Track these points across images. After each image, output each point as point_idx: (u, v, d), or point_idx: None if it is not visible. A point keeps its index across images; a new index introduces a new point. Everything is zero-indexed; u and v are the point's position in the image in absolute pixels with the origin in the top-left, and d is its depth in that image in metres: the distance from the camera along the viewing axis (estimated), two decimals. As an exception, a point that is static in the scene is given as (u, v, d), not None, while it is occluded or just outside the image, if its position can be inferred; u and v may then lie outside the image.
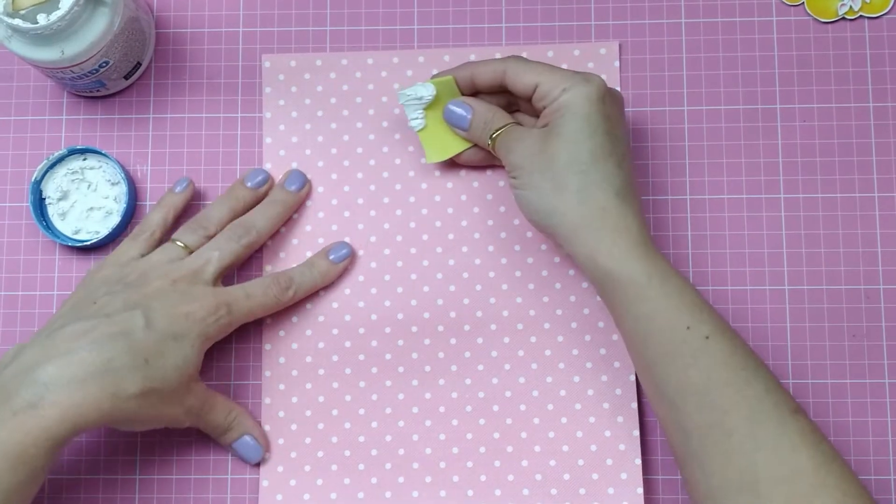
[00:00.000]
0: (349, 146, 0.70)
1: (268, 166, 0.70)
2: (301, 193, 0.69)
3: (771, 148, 0.70)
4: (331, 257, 0.69)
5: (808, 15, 0.71)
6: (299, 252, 0.70)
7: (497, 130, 0.65)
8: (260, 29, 0.73)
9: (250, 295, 0.65)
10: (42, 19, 0.63)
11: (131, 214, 0.71)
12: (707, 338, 0.59)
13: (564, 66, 0.69)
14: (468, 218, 0.70)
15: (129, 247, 0.67)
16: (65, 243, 0.70)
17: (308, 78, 0.71)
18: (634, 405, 0.67)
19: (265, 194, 0.69)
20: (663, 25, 0.71)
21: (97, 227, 0.70)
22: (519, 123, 0.66)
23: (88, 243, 0.69)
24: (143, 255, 0.66)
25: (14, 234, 0.71)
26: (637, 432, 0.67)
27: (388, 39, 0.72)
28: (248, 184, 0.69)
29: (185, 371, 0.62)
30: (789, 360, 0.68)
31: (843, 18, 0.71)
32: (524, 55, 0.69)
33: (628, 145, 0.64)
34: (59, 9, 0.63)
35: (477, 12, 0.72)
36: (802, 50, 0.71)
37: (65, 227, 0.70)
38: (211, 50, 0.73)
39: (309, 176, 0.70)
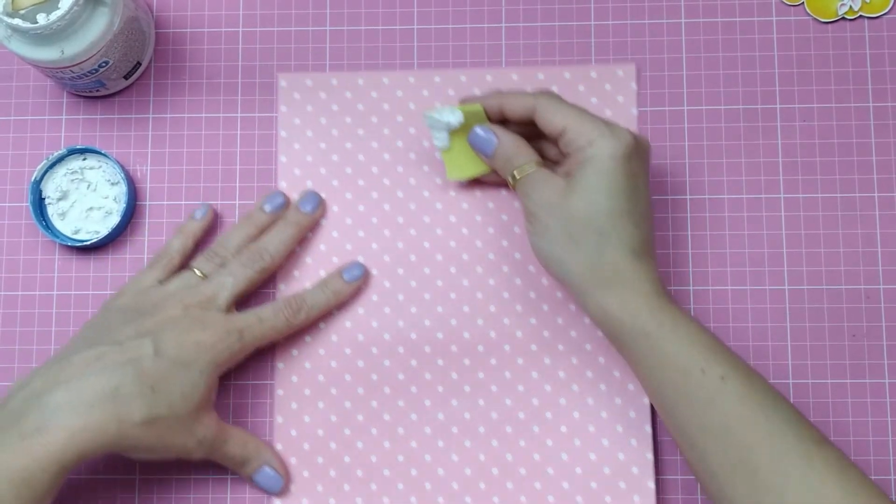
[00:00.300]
0: (364, 166, 0.70)
1: (283, 185, 0.70)
2: (315, 215, 0.70)
3: (771, 148, 0.70)
4: (344, 277, 0.68)
5: (808, 15, 0.71)
6: (313, 271, 0.69)
7: (519, 168, 0.65)
8: (260, 29, 0.73)
9: (263, 319, 0.65)
10: (42, 19, 0.63)
11: (131, 214, 0.71)
12: (722, 378, 0.58)
13: (581, 89, 0.70)
14: (482, 238, 0.69)
15: (147, 274, 0.67)
16: (64, 243, 0.70)
17: (324, 97, 0.71)
18: (648, 428, 0.67)
19: (280, 216, 0.69)
20: (663, 25, 0.71)
21: (97, 226, 0.70)
22: (542, 160, 0.65)
23: (88, 243, 0.69)
24: (161, 282, 0.67)
25: (14, 234, 0.71)
26: (650, 455, 0.66)
27: (388, 39, 0.72)
28: (266, 208, 0.69)
29: (193, 399, 0.62)
30: (789, 360, 0.68)
31: (843, 18, 0.71)
32: (540, 76, 0.69)
33: (649, 201, 0.63)
34: (58, 8, 0.63)
35: (477, 12, 0.72)
36: (802, 50, 0.71)
37: (64, 226, 0.70)
38: (211, 50, 0.73)
39: (323, 195, 0.70)
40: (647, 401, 0.67)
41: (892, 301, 0.68)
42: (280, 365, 0.69)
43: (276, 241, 0.68)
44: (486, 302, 0.69)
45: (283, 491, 0.67)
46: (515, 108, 0.65)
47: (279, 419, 0.68)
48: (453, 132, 0.67)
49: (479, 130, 0.66)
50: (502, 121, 0.66)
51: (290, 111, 0.71)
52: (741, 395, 0.58)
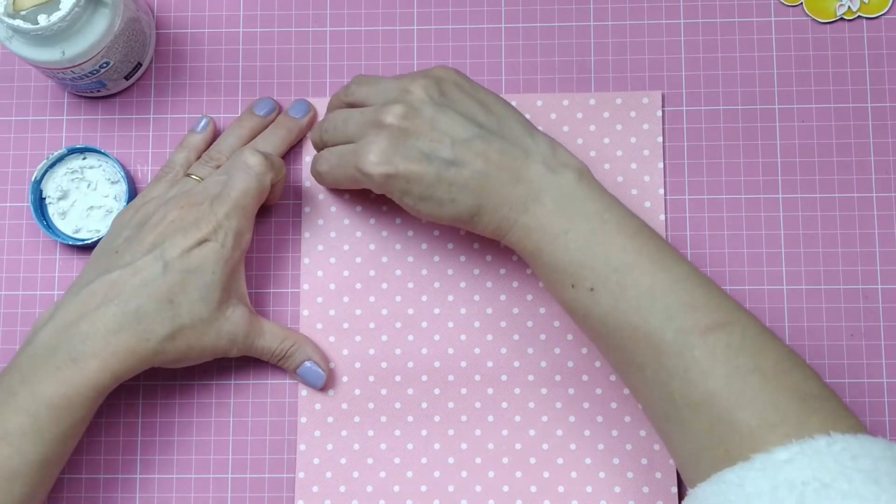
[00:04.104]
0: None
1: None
2: (303, 121, 0.70)
3: (769, 148, 0.70)
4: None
5: (807, 15, 0.71)
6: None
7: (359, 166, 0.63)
8: (260, 29, 0.73)
9: (233, 186, 0.64)
10: (43, 20, 0.63)
11: (132, 214, 0.71)
12: (592, 289, 0.59)
13: (606, 115, 0.70)
14: (507, 266, 0.69)
15: (152, 189, 0.68)
16: (65, 242, 0.70)
17: None
18: (672, 461, 0.66)
19: (272, 122, 0.71)
20: (662, 26, 0.72)
21: (97, 225, 0.70)
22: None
23: (89, 242, 0.70)
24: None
25: (14, 233, 0.72)
26: (675, 489, 0.66)
27: (388, 40, 0.72)
28: (257, 112, 0.70)
29: (213, 299, 0.63)
30: (787, 359, 0.68)
31: (842, 19, 0.71)
32: (565, 102, 0.70)
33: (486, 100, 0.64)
34: (59, 10, 0.63)
35: (476, 13, 0.72)
36: (801, 50, 0.71)
37: (65, 226, 0.71)
38: (211, 50, 0.73)
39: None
40: None
41: (890, 301, 0.68)
42: (303, 392, 0.69)
43: (267, 142, 0.69)
44: (510, 330, 0.68)
45: (325, 386, 0.68)
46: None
47: (302, 447, 0.68)
48: None
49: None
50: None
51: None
52: (613, 302, 0.58)
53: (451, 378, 0.68)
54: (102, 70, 0.67)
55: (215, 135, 0.71)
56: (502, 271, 0.69)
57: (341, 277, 0.70)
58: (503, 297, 0.69)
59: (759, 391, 0.55)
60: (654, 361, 0.57)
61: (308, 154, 0.71)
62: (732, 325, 0.57)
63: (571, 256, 0.59)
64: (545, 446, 0.67)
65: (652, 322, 0.57)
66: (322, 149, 0.66)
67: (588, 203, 0.60)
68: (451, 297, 0.69)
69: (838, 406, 0.56)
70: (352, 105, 0.66)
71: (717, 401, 0.55)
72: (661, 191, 0.69)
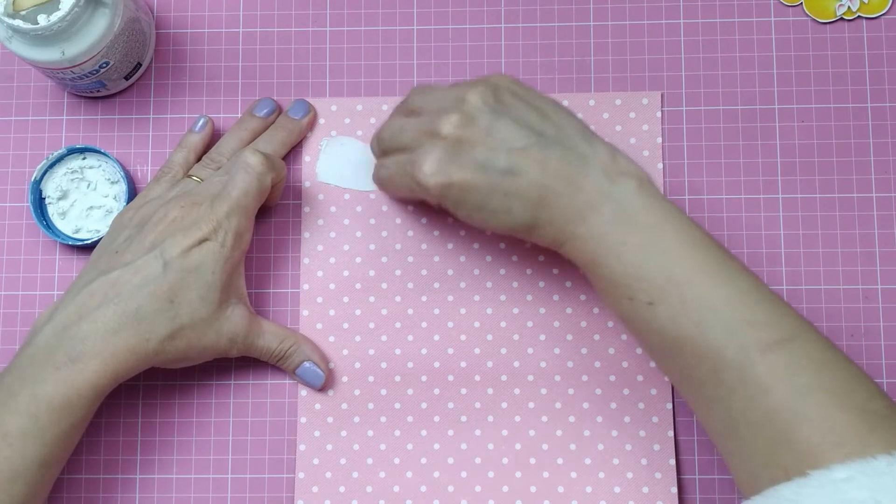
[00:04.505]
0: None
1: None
2: (303, 121, 0.70)
3: (769, 148, 0.70)
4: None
5: (807, 15, 0.71)
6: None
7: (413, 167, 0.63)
8: (260, 29, 0.73)
9: (234, 186, 0.64)
10: (42, 20, 0.63)
11: (131, 214, 0.71)
12: (650, 303, 0.57)
13: (605, 116, 0.70)
14: (506, 266, 0.69)
15: (152, 189, 0.69)
16: (65, 242, 0.70)
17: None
18: (672, 461, 0.67)
19: (273, 122, 0.71)
20: (662, 26, 0.72)
21: (97, 225, 0.70)
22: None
23: (89, 242, 0.70)
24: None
25: (14, 233, 0.72)
26: (675, 489, 0.66)
27: (388, 40, 0.72)
28: (257, 113, 0.70)
29: (213, 299, 0.63)
30: (787, 359, 0.68)
31: (842, 19, 0.71)
32: (565, 103, 0.69)
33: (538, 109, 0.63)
34: (59, 10, 0.63)
35: (476, 13, 0.72)
36: (801, 50, 0.71)
37: (65, 226, 0.71)
38: (211, 50, 0.73)
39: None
40: (671, 433, 0.67)
41: (889, 301, 0.69)
42: (303, 392, 0.69)
43: (266, 143, 0.69)
44: (510, 331, 0.68)
45: (325, 386, 0.68)
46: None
47: (302, 447, 0.68)
48: None
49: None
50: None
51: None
52: (672, 315, 0.57)
53: (450, 378, 0.68)
54: (102, 70, 0.67)
55: (214, 134, 0.71)
56: (502, 271, 0.69)
57: (341, 277, 0.70)
58: (503, 297, 0.69)
59: (821, 410, 0.53)
60: (713, 378, 0.56)
61: (308, 154, 0.71)
62: (795, 342, 0.55)
63: (628, 269, 0.58)
64: (545, 446, 0.67)
65: (711, 338, 0.56)
66: (381, 157, 0.66)
67: (647, 213, 0.58)
68: (451, 298, 0.69)
69: None
70: (410, 113, 0.65)
71: (777, 419, 0.54)
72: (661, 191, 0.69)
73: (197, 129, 0.70)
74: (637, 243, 0.58)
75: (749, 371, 0.55)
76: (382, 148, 0.65)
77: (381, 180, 0.66)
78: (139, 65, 0.71)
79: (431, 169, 0.60)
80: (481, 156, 0.59)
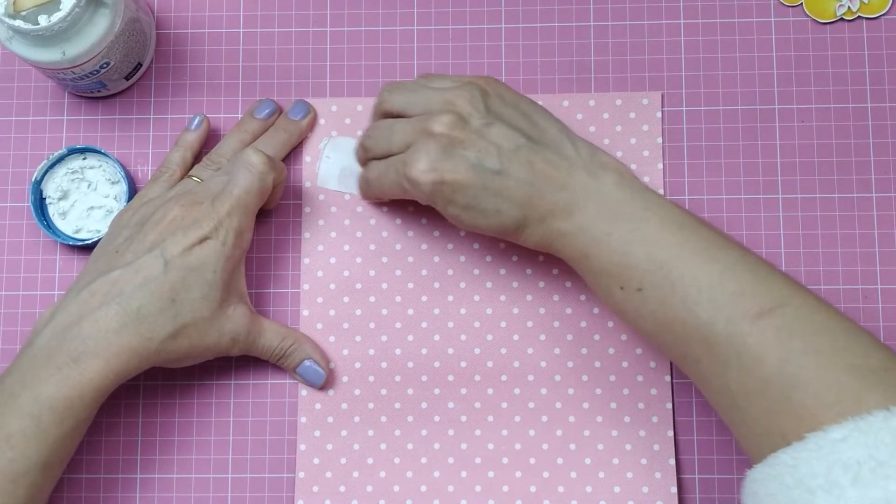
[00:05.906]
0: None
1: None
2: (303, 122, 0.70)
3: (769, 148, 0.70)
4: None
5: (807, 16, 0.71)
6: (338, 294, 0.70)
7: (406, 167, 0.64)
8: (260, 29, 0.73)
9: (236, 184, 0.65)
10: (43, 20, 0.63)
11: (132, 214, 0.71)
12: (639, 290, 0.59)
13: (605, 116, 0.70)
14: (507, 266, 0.69)
15: (150, 188, 0.69)
16: (66, 242, 0.70)
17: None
18: (672, 461, 0.67)
19: (273, 124, 0.71)
20: (662, 26, 0.72)
21: (98, 225, 0.70)
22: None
23: (89, 242, 0.70)
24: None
25: (15, 233, 0.72)
26: (675, 489, 0.66)
27: (388, 40, 0.72)
28: (257, 115, 0.70)
29: (214, 298, 0.63)
30: (787, 359, 0.68)
31: (842, 19, 0.71)
32: (565, 104, 0.70)
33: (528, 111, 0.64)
34: (60, 10, 0.63)
35: (476, 13, 0.72)
36: (801, 51, 0.71)
37: (65, 226, 0.71)
38: (211, 50, 0.73)
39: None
40: (670, 433, 0.67)
41: (889, 301, 0.69)
42: (303, 392, 0.69)
43: (268, 146, 0.69)
44: (510, 331, 0.69)
45: (325, 386, 0.68)
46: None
47: (302, 447, 0.68)
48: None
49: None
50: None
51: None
52: (662, 297, 0.58)
53: (451, 378, 0.68)
54: (103, 70, 0.68)
55: (210, 132, 0.71)
56: (502, 271, 0.69)
57: (341, 278, 0.70)
58: (503, 297, 0.69)
59: (814, 372, 0.53)
60: (707, 354, 0.57)
61: (308, 154, 0.71)
62: (784, 308, 0.56)
63: (616, 258, 0.59)
64: (545, 446, 0.67)
65: (701, 315, 0.57)
66: (366, 162, 0.67)
67: (629, 203, 0.60)
68: (451, 298, 0.69)
69: None
70: (388, 113, 0.66)
71: (772, 386, 0.54)
72: (661, 191, 0.69)
73: (193, 127, 0.70)
74: (622, 232, 0.59)
75: (739, 342, 0.55)
76: (369, 155, 0.66)
77: (368, 182, 0.66)
78: (139, 65, 0.71)
79: (425, 166, 0.61)
80: (473, 156, 0.60)
